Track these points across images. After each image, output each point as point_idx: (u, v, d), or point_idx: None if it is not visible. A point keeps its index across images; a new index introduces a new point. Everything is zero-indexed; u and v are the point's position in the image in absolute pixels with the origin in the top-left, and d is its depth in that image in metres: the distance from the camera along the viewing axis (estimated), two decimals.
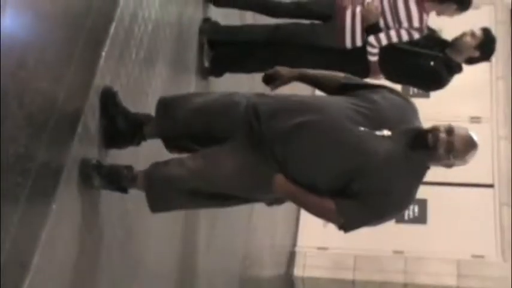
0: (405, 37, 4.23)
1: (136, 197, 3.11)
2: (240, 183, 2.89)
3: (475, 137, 2.87)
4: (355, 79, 3.12)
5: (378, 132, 2.83)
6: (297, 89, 3.45)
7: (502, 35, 7.79)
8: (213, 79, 4.55)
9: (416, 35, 4.23)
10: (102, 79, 2.90)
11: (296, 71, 3.13)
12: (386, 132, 2.84)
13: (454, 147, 2.80)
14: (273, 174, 2.82)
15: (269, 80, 3.13)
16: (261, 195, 3.03)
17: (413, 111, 3.01)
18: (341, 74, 3.13)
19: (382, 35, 4.22)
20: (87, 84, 2.79)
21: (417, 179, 2.91)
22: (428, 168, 2.91)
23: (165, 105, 3.07)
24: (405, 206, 2.96)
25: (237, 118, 2.92)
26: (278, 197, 3.00)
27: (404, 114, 2.94)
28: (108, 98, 2.94)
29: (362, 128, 2.82)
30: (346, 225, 2.87)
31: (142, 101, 3.38)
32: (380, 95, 2.96)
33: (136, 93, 3.33)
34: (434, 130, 2.82)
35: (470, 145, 2.84)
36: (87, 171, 2.79)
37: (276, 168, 2.83)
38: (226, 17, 4.63)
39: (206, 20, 4.45)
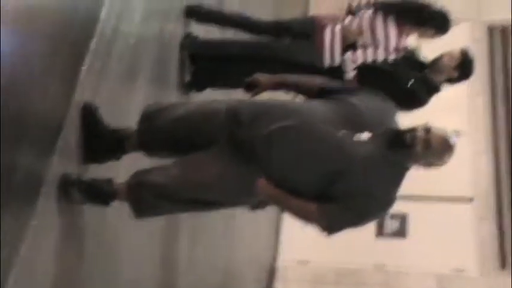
0: (381, 57, 4.27)
1: (117, 211, 3.11)
2: (223, 188, 2.92)
3: (453, 137, 2.91)
4: (334, 83, 3.17)
5: (357, 135, 2.88)
6: (278, 94, 3.48)
7: (479, 52, 7.86)
8: (194, 94, 4.57)
9: (392, 56, 4.27)
10: (82, 94, 2.91)
11: (275, 77, 3.19)
12: (365, 135, 2.89)
13: (431, 145, 2.85)
14: (256, 177, 2.85)
15: (249, 87, 3.18)
16: (244, 199, 3.06)
17: (391, 112, 3.08)
18: (320, 79, 3.18)
19: (358, 53, 4.27)
20: (67, 99, 2.80)
21: (397, 179, 2.95)
22: (408, 168, 2.95)
23: (148, 116, 3.09)
24: (387, 206, 2.99)
25: (218, 124, 2.95)
26: (261, 200, 3.02)
27: (383, 116, 3.01)
28: (89, 113, 2.95)
29: (342, 131, 2.87)
30: (329, 228, 2.91)
31: (123, 116, 3.38)
32: (358, 98, 3.02)
33: (117, 108, 3.34)
34: (412, 129, 2.88)
35: (447, 144, 2.89)
36: (67, 186, 2.79)
37: (259, 171, 2.86)
38: (207, 32, 4.65)
39: (187, 35, 4.47)
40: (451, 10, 4.32)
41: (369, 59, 4.27)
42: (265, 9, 6.37)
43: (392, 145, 2.88)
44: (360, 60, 4.26)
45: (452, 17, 4.35)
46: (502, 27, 8.41)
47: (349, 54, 4.27)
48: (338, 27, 4.33)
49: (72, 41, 2.76)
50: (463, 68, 4.32)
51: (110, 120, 3.07)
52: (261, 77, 3.17)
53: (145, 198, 2.95)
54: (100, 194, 2.92)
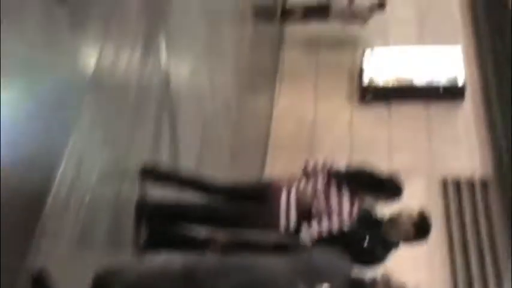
0: (335, 226, 4.23)
1: None
2: None
3: None
4: (288, 239, 3.18)
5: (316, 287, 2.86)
6: None
7: (433, 206, 8.00)
8: (149, 256, 4.48)
9: (346, 225, 4.25)
10: (34, 259, 2.83)
11: (231, 236, 3.25)
12: (325, 287, 2.87)
13: None
14: None
15: (205, 245, 3.18)
16: None
17: (348, 264, 3.08)
18: (275, 235, 3.18)
19: (313, 228, 4.18)
20: (18, 267, 2.71)
21: None
22: None
23: (100, 280, 3.03)
24: None
25: (174, 284, 2.90)
26: None
27: (340, 268, 3.01)
28: (40, 281, 2.87)
29: (300, 285, 2.85)
30: None
31: (76, 280, 3.28)
32: (314, 251, 3.09)
33: (70, 272, 3.25)
34: (372, 280, 2.93)
35: None
36: None
37: None
38: (163, 193, 4.65)
39: (143, 196, 4.45)
40: (405, 165, 4.41)
41: (324, 229, 4.22)
42: (222, 169, 6.43)
43: None
44: (315, 235, 4.21)
45: (405, 174, 4.42)
46: (455, 180, 8.62)
47: (304, 228, 4.21)
48: (293, 191, 4.34)
49: (25, 204, 2.72)
50: (420, 228, 4.34)
51: (62, 285, 2.96)
52: (218, 236, 3.19)
53: None
54: None
